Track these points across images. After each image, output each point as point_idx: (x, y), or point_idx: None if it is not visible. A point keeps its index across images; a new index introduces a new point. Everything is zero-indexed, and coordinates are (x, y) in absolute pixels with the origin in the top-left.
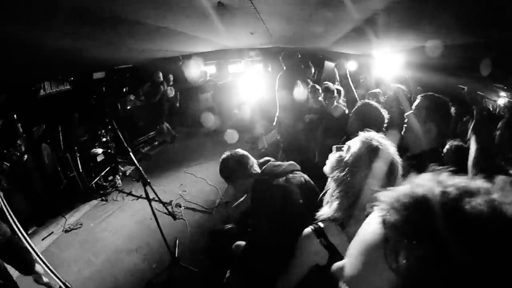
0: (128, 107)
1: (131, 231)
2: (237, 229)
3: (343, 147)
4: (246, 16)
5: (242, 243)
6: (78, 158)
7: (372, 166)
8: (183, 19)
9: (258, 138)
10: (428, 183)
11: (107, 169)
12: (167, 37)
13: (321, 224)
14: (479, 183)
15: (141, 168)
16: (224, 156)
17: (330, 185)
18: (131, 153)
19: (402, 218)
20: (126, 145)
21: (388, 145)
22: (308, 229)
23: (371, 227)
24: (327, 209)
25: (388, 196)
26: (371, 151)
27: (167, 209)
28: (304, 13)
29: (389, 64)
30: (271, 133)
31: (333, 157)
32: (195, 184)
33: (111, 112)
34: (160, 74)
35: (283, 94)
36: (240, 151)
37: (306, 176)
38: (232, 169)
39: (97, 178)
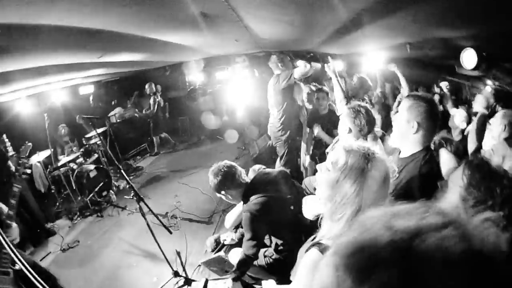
0: (118, 120)
1: (129, 246)
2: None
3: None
4: (229, 24)
5: (239, 250)
6: (71, 175)
7: (367, 176)
8: (167, 30)
9: (249, 144)
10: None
11: (100, 184)
12: (152, 48)
13: (326, 243)
14: None
15: (133, 185)
16: (211, 169)
17: (326, 204)
18: (122, 171)
19: None
20: (116, 163)
21: (372, 149)
22: (314, 251)
23: None
24: (329, 229)
25: None
26: (361, 161)
27: (162, 223)
28: (286, 18)
29: (374, 62)
30: (262, 138)
31: (321, 177)
32: (189, 194)
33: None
34: (153, 85)
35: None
36: (227, 162)
37: (296, 183)
38: (221, 181)
39: (91, 195)
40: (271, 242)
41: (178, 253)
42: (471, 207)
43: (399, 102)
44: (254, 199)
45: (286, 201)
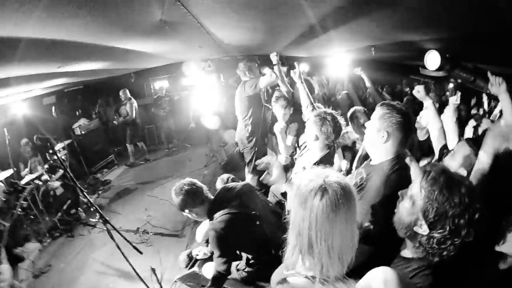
0: (83, 132)
1: (104, 267)
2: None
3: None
4: (191, 30)
5: (212, 264)
6: (36, 194)
7: (329, 212)
8: (126, 38)
9: (217, 151)
10: None
11: (68, 202)
12: (113, 56)
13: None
14: None
15: (98, 208)
16: (173, 188)
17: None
18: (84, 193)
19: None
20: (78, 185)
21: (329, 178)
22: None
23: None
24: (300, 264)
25: None
26: (313, 198)
27: (130, 243)
28: (248, 25)
29: (340, 64)
30: (230, 144)
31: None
32: (160, 207)
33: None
34: (127, 91)
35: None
36: (189, 180)
37: (261, 196)
38: (183, 200)
39: (59, 214)
40: (241, 256)
41: (153, 270)
42: (432, 221)
43: None
44: (219, 216)
45: (251, 217)
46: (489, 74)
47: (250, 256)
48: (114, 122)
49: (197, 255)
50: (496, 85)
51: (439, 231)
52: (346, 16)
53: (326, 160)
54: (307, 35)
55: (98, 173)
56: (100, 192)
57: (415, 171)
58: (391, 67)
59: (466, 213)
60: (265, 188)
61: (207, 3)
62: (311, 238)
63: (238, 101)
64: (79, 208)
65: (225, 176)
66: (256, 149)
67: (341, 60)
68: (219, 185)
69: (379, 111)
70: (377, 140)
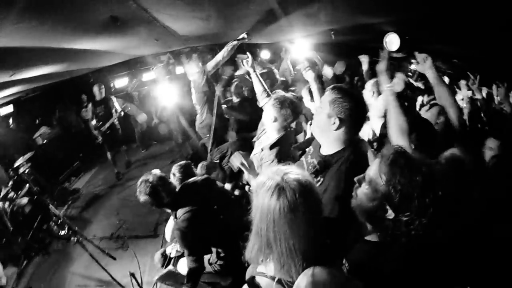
0: (44, 141)
1: (84, 279)
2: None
3: None
4: (144, 25)
5: (185, 260)
6: (4, 216)
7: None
8: (78, 38)
9: (182, 144)
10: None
11: (38, 218)
12: (67, 58)
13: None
14: None
15: (66, 219)
16: (137, 189)
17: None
18: (51, 207)
19: None
20: (47, 202)
21: (290, 176)
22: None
23: None
24: (264, 266)
25: None
26: (275, 201)
27: (102, 250)
28: (201, 14)
29: (299, 49)
30: (193, 138)
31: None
32: (131, 209)
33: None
34: (103, 86)
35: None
36: (151, 177)
37: (222, 189)
38: (150, 201)
39: (31, 232)
40: (210, 249)
41: (132, 275)
42: (397, 205)
43: None
44: (181, 215)
45: (213, 212)
46: (416, 53)
47: (220, 250)
48: (98, 136)
49: (171, 253)
50: (422, 62)
51: (406, 213)
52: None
53: (283, 141)
54: (265, 21)
55: (66, 182)
56: (69, 202)
57: (370, 156)
58: (352, 49)
59: (430, 192)
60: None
61: None
62: (270, 239)
63: (194, 92)
64: (51, 222)
65: (205, 162)
66: (213, 137)
67: (301, 44)
68: (200, 171)
69: (329, 95)
70: (328, 127)
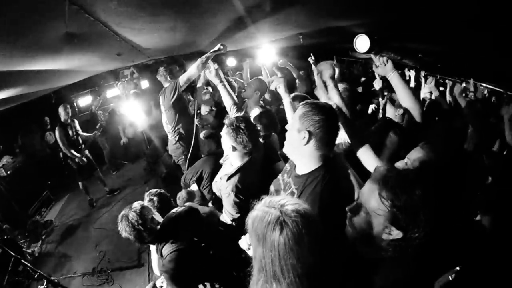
0: (8, 172)
1: None
2: None
3: None
4: (104, 40)
5: None
6: None
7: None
8: (33, 58)
9: (156, 162)
10: None
11: (11, 261)
12: (25, 80)
13: None
14: None
15: (38, 271)
16: (119, 223)
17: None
18: (25, 262)
19: None
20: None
21: (286, 207)
22: None
23: None
24: None
25: None
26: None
27: None
28: (165, 26)
29: (266, 54)
30: (165, 155)
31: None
32: (110, 238)
33: None
34: (68, 106)
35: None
36: (132, 212)
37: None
38: (133, 238)
39: (6, 277)
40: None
41: None
42: (404, 225)
43: None
44: (167, 255)
45: (202, 248)
46: (372, 56)
47: (214, 284)
48: (78, 160)
49: (161, 286)
50: (382, 65)
51: (414, 230)
52: (272, 6)
53: (246, 169)
54: (233, 29)
55: (37, 214)
56: (43, 237)
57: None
58: (320, 52)
59: (431, 201)
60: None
61: (114, 9)
62: (276, 273)
63: (163, 111)
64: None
65: (182, 193)
66: (190, 159)
67: (268, 50)
68: (180, 203)
69: (300, 110)
70: (298, 142)
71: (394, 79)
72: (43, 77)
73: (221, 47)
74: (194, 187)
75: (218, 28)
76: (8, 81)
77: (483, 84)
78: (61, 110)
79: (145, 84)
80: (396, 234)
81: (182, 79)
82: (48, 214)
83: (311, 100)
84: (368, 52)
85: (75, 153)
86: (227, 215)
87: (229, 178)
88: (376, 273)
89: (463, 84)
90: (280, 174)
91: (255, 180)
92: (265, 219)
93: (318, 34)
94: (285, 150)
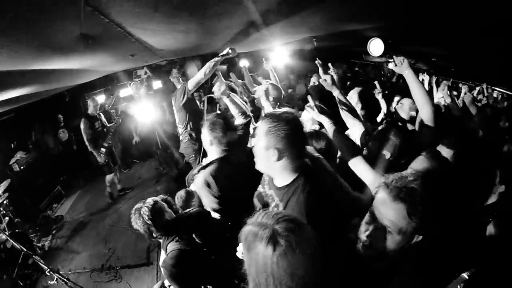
0: (22, 167)
1: None
2: None
3: None
4: (118, 40)
5: None
6: None
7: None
8: (49, 58)
9: (167, 162)
10: None
11: (21, 255)
12: (40, 79)
13: None
14: None
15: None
16: (132, 215)
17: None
18: (34, 257)
19: None
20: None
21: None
22: None
23: None
24: None
25: None
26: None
27: None
28: (180, 28)
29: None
30: (177, 156)
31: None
32: (120, 236)
33: None
34: (96, 100)
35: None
36: (149, 205)
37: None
38: (143, 231)
39: (16, 269)
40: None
41: None
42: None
43: None
44: (170, 251)
45: (204, 253)
46: (394, 57)
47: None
48: (101, 154)
49: (170, 285)
50: (399, 64)
51: (429, 228)
52: (285, 11)
53: (222, 163)
54: (246, 31)
55: (48, 210)
56: (54, 232)
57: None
58: (334, 55)
59: (440, 196)
60: None
61: (130, 10)
62: None
63: (175, 111)
64: (35, 257)
65: (181, 193)
66: (201, 158)
67: (282, 52)
68: (179, 203)
69: (263, 125)
70: (269, 159)
71: (409, 76)
72: (57, 76)
73: (230, 50)
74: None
75: (232, 31)
76: (24, 79)
77: (496, 89)
78: (90, 102)
79: (157, 84)
80: (417, 237)
81: (191, 83)
82: (59, 209)
83: (271, 112)
84: (382, 55)
85: (93, 151)
86: (211, 210)
87: (201, 169)
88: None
89: (474, 93)
90: (260, 185)
91: (239, 183)
92: (258, 235)
93: (332, 37)
94: (257, 167)
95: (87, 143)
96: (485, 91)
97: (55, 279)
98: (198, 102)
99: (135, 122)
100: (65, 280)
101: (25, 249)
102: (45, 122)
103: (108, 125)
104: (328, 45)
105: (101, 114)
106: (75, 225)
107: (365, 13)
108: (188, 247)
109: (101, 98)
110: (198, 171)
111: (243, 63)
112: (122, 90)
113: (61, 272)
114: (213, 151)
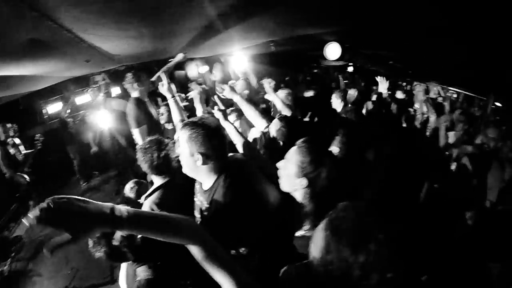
0: None
1: None
2: None
3: None
4: (71, 46)
5: None
6: None
7: None
8: None
9: (125, 173)
10: None
11: None
12: None
13: None
14: None
15: None
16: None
17: None
18: None
19: None
20: None
21: None
22: None
23: None
24: None
25: None
26: None
27: None
28: (132, 33)
29: (239, 61)
30: (135, 164)
31: None
32: (81, 254)
33: None
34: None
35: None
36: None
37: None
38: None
39: None
40: None
41: None
42: None
43: None
44: (144, 279)
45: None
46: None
47: None
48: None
49: None
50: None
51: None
52: (239, 14)
53: (168, 187)
54: (205, 35)
55: (5, 230)
56: (13, 254)
57: None
58: (291, 59)
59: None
60: None
61: (78, 16)
62: None
63: (129, 119)
64: None
65: (130, 183)
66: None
67: (241, 57)
68: (131, 195)
69: (183, 133)
70: (194, 164)
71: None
72: (8, 82)
73: (181, 55)
74: None
75: (188, 35)
76: None
77: (451, 88)
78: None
79: (116, 90)
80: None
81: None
82: (17, 229)
83: (189, 120)
84: (339, 59)
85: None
86: None
87: (147, 197)
88: None
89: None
90: (195, 197)
91: (188, 202)
92: None
93: (289, 42)
94: (185, 171)
95: (5, 170)
96: (441, 91)
97: None
98: (155, 109)
99: (94, 131)
100: None
101: None
102: None
103: (25, 151)
104: (286, 49)
105: (14, 139)
106: (34, 246)
107: (320, 18)
108: (162, 275)
109: (57, 106)
110: (145, 199)
111: (203, 69)
112: (79, 97)
113: None
114: (155, 178)
